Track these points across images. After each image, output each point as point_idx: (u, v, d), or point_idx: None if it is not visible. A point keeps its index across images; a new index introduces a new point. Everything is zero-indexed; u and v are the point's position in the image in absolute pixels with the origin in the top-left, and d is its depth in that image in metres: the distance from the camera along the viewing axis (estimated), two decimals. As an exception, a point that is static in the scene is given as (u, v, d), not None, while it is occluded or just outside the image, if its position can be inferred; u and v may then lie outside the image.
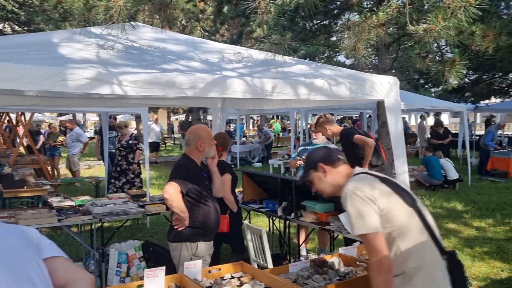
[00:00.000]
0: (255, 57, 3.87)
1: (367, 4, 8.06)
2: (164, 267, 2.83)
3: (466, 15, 3.29)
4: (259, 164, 15.39)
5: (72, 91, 2.56)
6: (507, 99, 17.33)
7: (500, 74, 14.81)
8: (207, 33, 14.63)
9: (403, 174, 3.71)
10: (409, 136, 19.97)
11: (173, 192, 3.43)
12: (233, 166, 13.53)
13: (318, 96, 3.23)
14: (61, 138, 12.11)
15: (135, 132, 15.59)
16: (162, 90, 2.73)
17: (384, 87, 3.56)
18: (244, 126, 23.62)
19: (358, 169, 2.39)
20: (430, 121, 18.43)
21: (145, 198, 6.08)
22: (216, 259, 4.14)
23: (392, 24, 3.82)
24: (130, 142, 8.21)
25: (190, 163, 3.60)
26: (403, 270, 2.14)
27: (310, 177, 2.43)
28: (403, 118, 20.61)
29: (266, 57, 3.46)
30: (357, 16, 3.87)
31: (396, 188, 2.19)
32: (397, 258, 2.14)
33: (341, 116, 24.98)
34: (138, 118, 16.92)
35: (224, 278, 3.13)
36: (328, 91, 3.26)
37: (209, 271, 3.13)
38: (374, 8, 4.34)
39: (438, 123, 13.92)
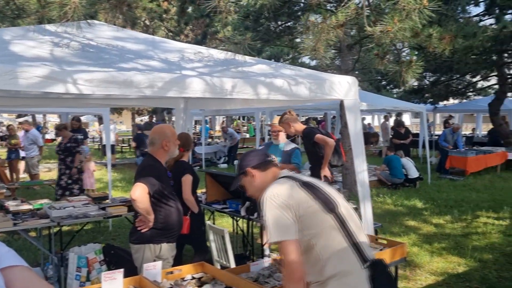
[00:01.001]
0: (215, 56, 3.86)
1: (330, 6, 8.18)
2: (122, 270, 2.78)
3: (421, 17, 3.39)
4: (225, 165, 15.37)
5: (23, 89, 2.47)
6: (464, 100, 17.97)
7: (457, 76, 15.33)
8: (171, 34, 14.49)
9: (362, 173, 3.78)
10: (371, 136, 20.42)
11: (141, 194, 3.37)
12: (198, 167, 13.48)
13: (278, 95, 3.25)
14: (14, 141, 11.61)
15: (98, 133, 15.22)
16: (119, 89, 2.68)
17: (343, 87, 3.61)
18: (210, 127, 23.53)
19: (283, 172, 2.34)
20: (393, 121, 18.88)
21: (107, 201, 5.96)
22: (179, 261, 4.10)
23: (351, 25, 3.88)
24: (68, 145, 7.74)
25: (156, 163, 3.56)
26: (320, 278, 2.10)
27: (241, 182, 2.40)
28: (363, 118, 21.04)
29: (226, 57, 3.45)
30: (318, 16, 3.91)
31: (317, 194, 2.12)
32: (315, 265, 2.10)
33: (306, 117, 25.22)
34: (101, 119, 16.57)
35: (185, 279, 3.10)
36: (287, 91, 3.28)
37: (171, 272, 3.10)
38: (333, 9, 4.42)
39: (400, 123, 14.29)
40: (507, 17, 10.07)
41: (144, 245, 3.52)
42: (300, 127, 5.44)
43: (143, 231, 3.50)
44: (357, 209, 4.02)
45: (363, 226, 3.92)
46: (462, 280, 5.01)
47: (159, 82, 2.81)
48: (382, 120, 18.05)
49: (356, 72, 17.43)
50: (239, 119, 31.25)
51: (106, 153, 8.16)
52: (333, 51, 14.94)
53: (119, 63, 3.03)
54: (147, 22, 13.99)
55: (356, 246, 2.08)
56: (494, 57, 12.66)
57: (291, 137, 6.21)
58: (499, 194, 9.90)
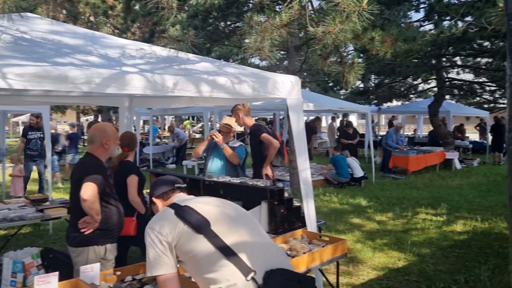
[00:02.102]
0: (158, 53, 3.79)
1: (278, 8, 8.26)
2: (57, 273, 2.67)
3: (360, 19, 3.48)
4: (173, 166, 15.16)
5: None
6: (407, 102, 18.73)
7: (400, 79, 15.94)
8: (117, 31, 14.12)
9: (305, 171, 3.83)
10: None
11: (92, 194, 3.25)
12: (145, 168, 13.20)
13: (221, 93, 3.23)
14: None
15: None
16: (53, 85, 2.56)
17: (286, 86, 3.65)
18: (158, 127, 23.13)
19: (176, 198, 2.44)
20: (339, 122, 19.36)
21: (47, 203, 5.71)
22: (123, 263, 3.98)
23: (295, 25, 3.93)
24: None
25: (100, 161, 3.46)
26: None
27: (153, 210, 2.52)
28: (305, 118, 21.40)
29: (169, 54, 3.40)
30: (262, 16, 3.93)
31: (188, 218, 2.20)
32: (205, 285, 2.16)
33: (256, 118, 25.38)
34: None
35: (125, 280, 3.02)
36: (231, 89, 3.28)
37: (114, 273, 3.01)
38: (277, 9, 4.47)
39: (348, 124, 14.69)
40: (445, 23, 10.56)
41: (87, 247, 3.40)
42: (249, 121, 5.47)
43: (86, 232, 3.38)
44: (300, 207, 4.09)
45: (308, 223, 4.01)
46: (402, 274, 5.20)
47: (97, 78, 2.72)
48: (330, 121, 18.46)
49: (305, 74, 17.78)
50: (188, 119, 30.93)
51: (46, 153, 7.83)
52: (281, 51, 15.13)
53: (54, 58, 2.90)
54: (92, 18, 13.56)
55: (237, 259, 2.10)
56: (433, 61, 13.27)
57: (240, 138, 6.25)
58: (437, 192, 10.38)
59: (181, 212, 2.24)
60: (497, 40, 11.26)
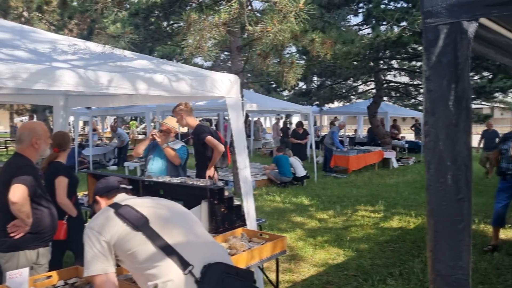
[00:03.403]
0: (92, 49, 3.66)
1: (219, 7, 8.24)
2: (27, 268, 2.58)
3: (297, 19, 3.55)
4: (115, 167, 14.74)
5: None
6: (347, 103, 19.31)
7: (341, 80, 16.41)
8: (54, 27, 13.52)
9: (244, 169, 3.85)
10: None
11: (22, 196, 3.07)
12: (85, 169, 12.74)
13: (158, 91, 3.18)
14: None
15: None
16: (-26, 80, 2.41)
17: (225, 85, 3.65)
18: (100, 128, 22.43)
19: (116, 198, 2.44)
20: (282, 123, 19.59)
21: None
22: (59, 268, 3.81)
23: (234, 24, 3.93)
24: None
25: (30, 162, 3.29)
26: None
27: (95, 210, 2.51)
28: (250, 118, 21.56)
29: (104, 50, 3.29)
30: (201, 14, 3.90)
31: (126, 216, 2.22)
32: (144, 282, 2.18)
33: (200, 118, 25.21)
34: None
35: (57, 285, 2.90)
36: (168, 87, 3.22)
37: (48, 277, 2.87)
38: (216, 7, 4.46)
39: (298, 124, 14.93)
40: (382, 27, 10.99)
41: (18, 252, 3.22)
42: (193, 122, 5.42)
43: (16, 237, 3.21)
44: (241, 206, 4.09)
45: (248, 222, 4.03)
46: (341, 269, 5.34)
47: (23, 73, 2.58)
48: (274, 121, 18.69)
49: (248, 75, 17.88)
50: (132, 119, 30.20)
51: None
52: (224, 52, 15.11)
53: (-23, 52, 2.73)
54: (25, 14, 12.89)
55: (175, 254, 2.14)
56: (372, 64, 13.76)
57: (185, 139, 6.17)
58: (376, 190, 10.77)
59: (121, 210, 2.25)
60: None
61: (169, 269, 2.11)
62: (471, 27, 1.12)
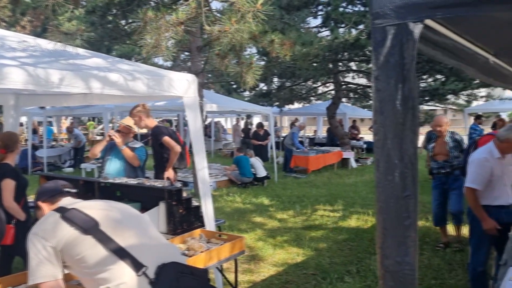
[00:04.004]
0: (43, 46, 3.54)
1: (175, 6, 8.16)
2: None
3: (255, 20, 3.55)
4: (71, 169, 14.30)
5: None
6: (307, 104, 19.55)
7: (300, 81, 16.59)
8: (5, 24, 12.95)
9: (202, 170, 3.82)
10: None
11: None
12: (39, 171, 12.29)
13: (113, 90, 3.10)
14: None
15: None
16: None
17: (183, 84, 3.61)
18: (55, 129, 21.74)
19: (61, 202, 2.38)
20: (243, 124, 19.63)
21: None
22: (8, 275, 3.65)
23: (192, 23, 3.89)
24: None
25: None
26: None
27: (37, 216, 2.43)
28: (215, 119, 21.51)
29: (56, 48, 3.19)
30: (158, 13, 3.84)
31: (74, 220, 2.15)
32: (96, 287, 2.13)
33: (161, 119, 24.88)
34: None
35: (4, 292, 2.78)
36: (124, 86, 3.15)
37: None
38: (173, 6, 4.40)
39: (259, 125, 14.96)
40: (341, 30, 11.20)
41: None
42: (151, 123, 5.36)
43: None
44: (199, 207, 4.06)
45: (206, 223, 4.00)
46: (300, 268, 5.39)
47: (-32, 70, 2.46)
48: (234, 122, 18.68)
49: (209, 75, 17.79)
50: (89, 120, 29.43)
51: None
52: (185, 52, 14.97)
53: None
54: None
55: (127, 256, 2.10)
56: (331, 66, 13.99)
57: (144, 140, 6.06)
58: (335, 189, 10.94)
59: (68, 214, 2.17)
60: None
61: (122, 271, 2.06)
62: (417, 29, 1.15)
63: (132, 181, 4.39)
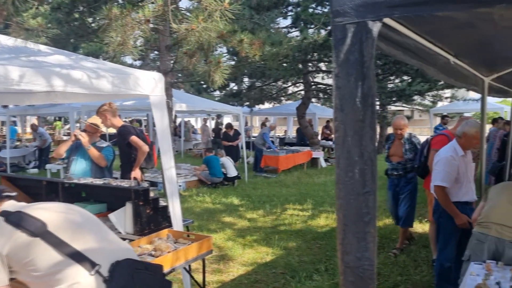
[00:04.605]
0: (3, 43, 3.42)
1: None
2: None
3: (222, 18, 3.54)
4: (35, 170, 13.91)
5: None
6: (278, 104, 19.65)
7: (271, 81, 16.65)
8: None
9: (169, 169, 3.77)
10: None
11: None
12: (1, 172, 11.90)
13: (76, 88, 3.02)
14: None
15: None
16: None
17: (149, 83, 3.55)
18: (19, 129, 21.13)
19: (3, 206, 2.30)
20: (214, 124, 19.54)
21: None
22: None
23: (159, 21, 3.85)
24: None
25: None
26: None
27: None
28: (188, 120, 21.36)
29: (16, 44, 3.09)
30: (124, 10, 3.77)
31: (21, 223, 2.10)
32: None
33: (130, 119, 24.54)
34: None
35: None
36: (87, 84, 3.08)
37: None
38: (140, 3, 4.35)
39: (228, 126, 14.90)
40: (310, 31, 11.30)
41: None
42: (118, 122, 5.27)
43: None
44: (167, 207, 4.01)
45: (174, 223, 3.95)
46: (269, 267, 5.40)
47: None
48: (202, 122, 18.61)
49: (179, 75, 17.64)
50: (55, 120, 28.73)
51: None
52: (153, 50, 14.78)
53: None
54: None
55: (79, 256, 2.06)
56: (300, 66, 14.10)
57: (113, 140, 5.97)
58: (304, 189, 11.03)
59: (13, 218, 2.09)
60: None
61: (74, 271, 2.01)
62: (375, 27, 1.17)
63: (98, 181, 4.30)
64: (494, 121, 10.82)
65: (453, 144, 4.25)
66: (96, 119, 5.18)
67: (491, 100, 18.09)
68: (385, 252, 5.81)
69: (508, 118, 11.71)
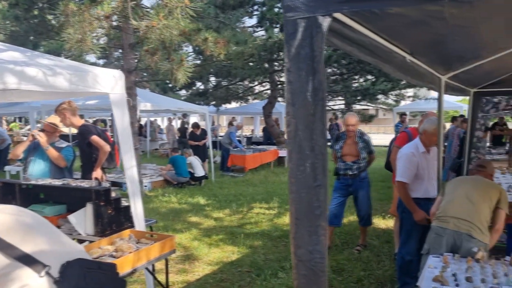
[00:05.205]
0: (-48, 38, 3.29)
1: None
2: None
3: (184, 16, 3.51)
4: (-7, 172, 13.41)
5: None
6: (244, 104, 19.66)
7: (237, 81, 16.65)
8: None
9: (131, 169, 3.71)
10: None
11: None
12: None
13: (31, 85, 2.92)
14: None
15: None
16: None
17: (109, 80, 3.48)
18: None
19: None
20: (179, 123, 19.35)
21: None
22: None
23: (120, 17, 3.78)
24: None
25: None
26: None
27: None
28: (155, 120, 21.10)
29: (-34, 40, 2.96)
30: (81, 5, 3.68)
31: None
32: None
33: (94, 119, 23.99)
34: None
35: None
36: (43, 81, 2.98)
37: None
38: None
39: (195, 125, 14.75)
40: (276, 30, 11.35)
41: None
42: (77, 121, 5.14)
43: None
44: (129, 207, 3.94)
45: (136, 223, 3.89)
46: (235, 266, 5.40)
47: None
48: (167, 122, 18.42)
49: (144, 74, 17.39)
50: (14, 120, 27.82)
51: None
52: (117, 48, 14.51)
53: None
54: None
55: (28, 259, 2.02)
56: (266, 65, 14.15)
57: (75, 141, 5.80)
58: (271, 187, 11.07)
59: None
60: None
61: (23, 274, 1.94)
62: (325, 22, 1.18)
63: (57, 182, 4.19)
64: (453, 119, 11.18)
65: (416, 141, 4.38)
66: (55, 118, 5.03)
67: (452, 99, 18.71)
68: (349, 249, 5.90)
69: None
